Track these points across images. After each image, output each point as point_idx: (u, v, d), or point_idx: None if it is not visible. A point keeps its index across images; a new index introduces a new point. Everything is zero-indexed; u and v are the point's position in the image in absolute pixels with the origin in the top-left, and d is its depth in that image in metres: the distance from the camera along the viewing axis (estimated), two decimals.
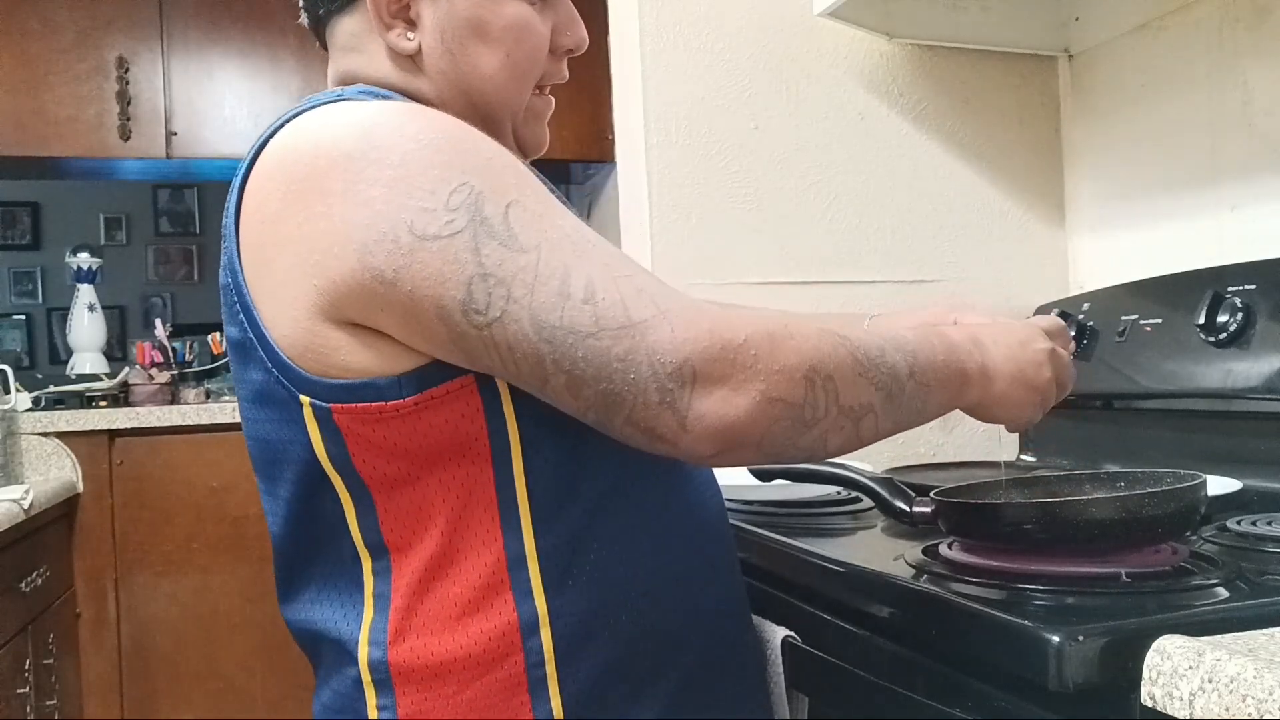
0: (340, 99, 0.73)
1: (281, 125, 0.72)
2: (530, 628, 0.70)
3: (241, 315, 0.71)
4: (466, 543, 0.70)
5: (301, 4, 0.84)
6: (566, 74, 0.87)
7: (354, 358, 0.68)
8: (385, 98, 0.75)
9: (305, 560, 0.75)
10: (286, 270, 0.68)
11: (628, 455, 0.69)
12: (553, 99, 0.87)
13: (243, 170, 0.72)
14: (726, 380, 0.63)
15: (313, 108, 0.72)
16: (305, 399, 0.69)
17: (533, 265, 0.63)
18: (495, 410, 0.70)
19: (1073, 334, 1.47)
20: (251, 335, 0.70)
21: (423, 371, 0.68)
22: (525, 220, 0.65)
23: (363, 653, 0.71)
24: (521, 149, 0.86)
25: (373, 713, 0.71)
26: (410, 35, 0.79)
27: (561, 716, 0.70)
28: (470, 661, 0.70)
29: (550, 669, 0.70)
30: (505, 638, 0.70)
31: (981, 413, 0.81)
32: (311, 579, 0.75)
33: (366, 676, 0.71)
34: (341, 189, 0.65)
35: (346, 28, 0.82)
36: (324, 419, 0.69)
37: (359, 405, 0.68)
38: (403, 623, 0.70)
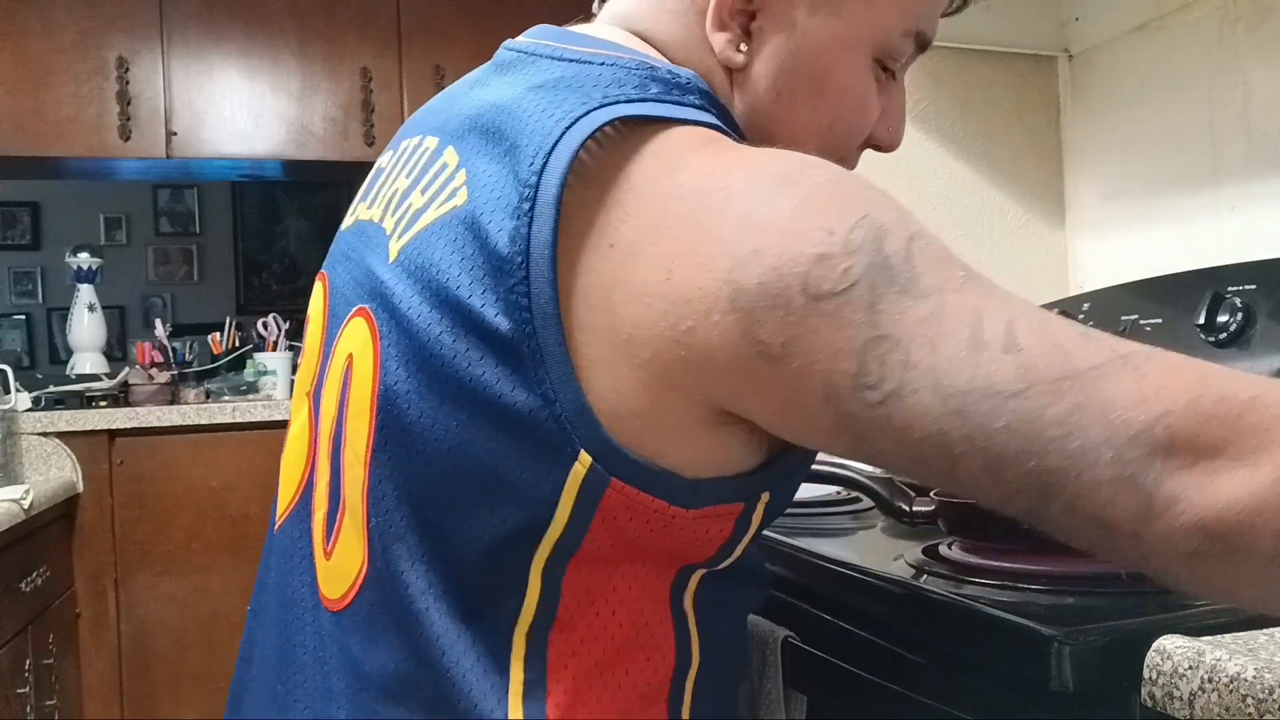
0: (694, 116, 0.60)
1: (609, 118, 0.57)
2: None
3: (531, 314, 0.55)
4: (640, 643, 0.61)
5: None
6: (856, 165, 0.74)
7: (681, 445, 0.57)
8: (725, 118, 0.65)
9: (463, 610, 0.60)
10: (635, 320, 0.55)
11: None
12: None
13: (573, 147, 0.56)
14: (1224, 449, 0.45)
15: (661, 118, 0.59)
16: (587, 457, 0.55)
17: (935, 314, 0.50)
18: (735, 539, 0.62)
19: None
20: (542, 347, 0.55)
21: (723, 483, 0.59)
22: (929, 257, 0.52)
23: None
24: None
25: None
26: (742, 48, 0.66)
27: None
28: None
29: None
30: None
31: None
32: (452, 622, 0.60)
33: None
34: (725, 235, 0.53)
35: None
36: (593, 484, 0.56)
37: (641, 494, 0.56)
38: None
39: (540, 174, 0.56)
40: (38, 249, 4.91)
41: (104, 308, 2.90)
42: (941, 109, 1.68)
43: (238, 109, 2.88)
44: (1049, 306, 1.57)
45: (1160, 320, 1.33)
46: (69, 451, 2.45)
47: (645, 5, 0.69)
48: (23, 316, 4.93)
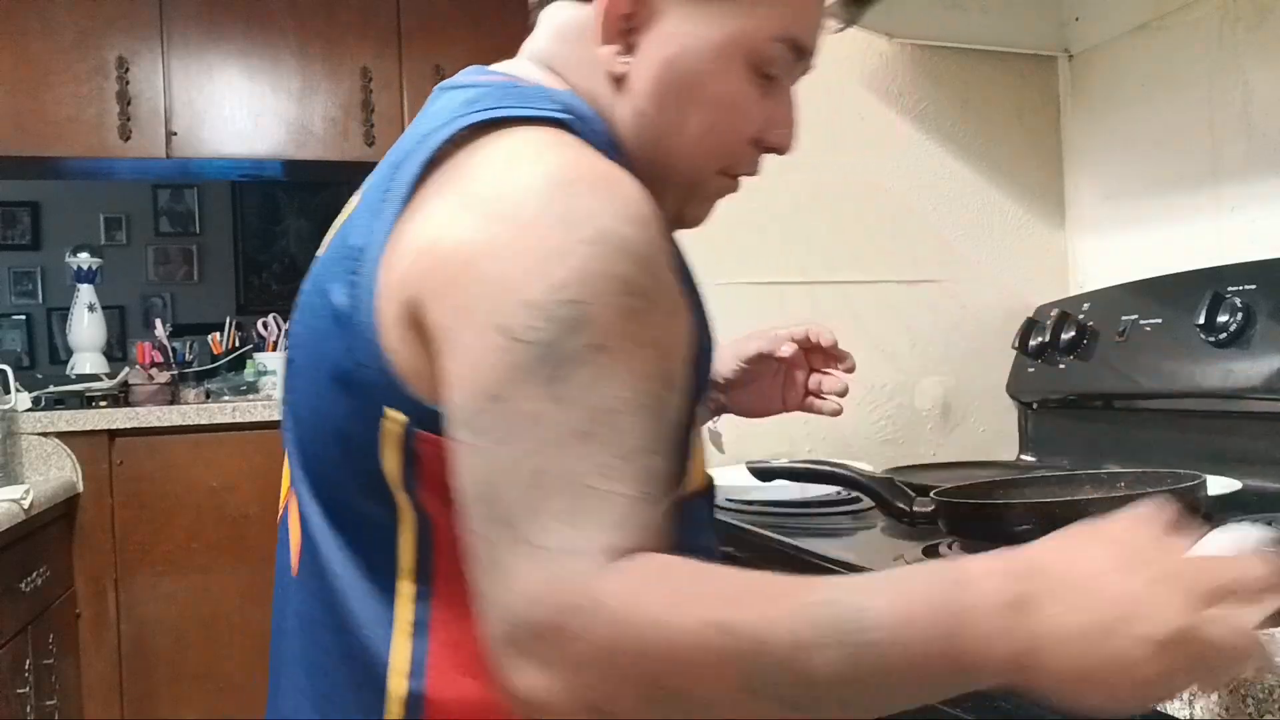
0: (544, 114, 0.66)
1: (479, 119, 0.65)
2: None
3: (357, 289, 0.64)
4: None
5: None
6: (759, 170, 0.78)
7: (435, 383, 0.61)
8: (587, 122, 0.69)
9: (356, 561, 0.67)
10: (405, 278, 0.62)
11: None
12: (737, 185, 0.79)
13: (427, 154, 0.65)
14: (537, 655, 0.53)
15: (519, 116, 0.66)
16: (395, 414, 0.62)
17: (537, 417, 0.55)
18: None
19: (1072, 334, 1.47)
20: (360, 315, 0.63)
21: None
22: (595, 370, 0.56)
23: (396, 683, 0.64)
24: (677, 221, 0.76)
25: None
26: (624, 60, 0.71)
27: None
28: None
29: None
30: None
31: (1047, 697, 0.52)
32: (346, 572, 0.67)
33: (397, 711, 0.64)
34: (480, 234, 0.59)
35: (570, 14, 0.74)
36: (407, 439, 0.63)
37: (442, 439, 0.61)
38: (448, 657, 0.64)
39: (393, 179, 0.66)
40: (38, 249, 4.91)
41: (104, 308, 2.90)
42: (941, 109, 1.68)
43: (238, 109, 2.88)
44: (1049, 306, 1.57)
45: (1160, 320, 1.33)
46: (69, 451, 2.45)
47: (548, 38, 0.76)
48: (23, 316, 4.92)
